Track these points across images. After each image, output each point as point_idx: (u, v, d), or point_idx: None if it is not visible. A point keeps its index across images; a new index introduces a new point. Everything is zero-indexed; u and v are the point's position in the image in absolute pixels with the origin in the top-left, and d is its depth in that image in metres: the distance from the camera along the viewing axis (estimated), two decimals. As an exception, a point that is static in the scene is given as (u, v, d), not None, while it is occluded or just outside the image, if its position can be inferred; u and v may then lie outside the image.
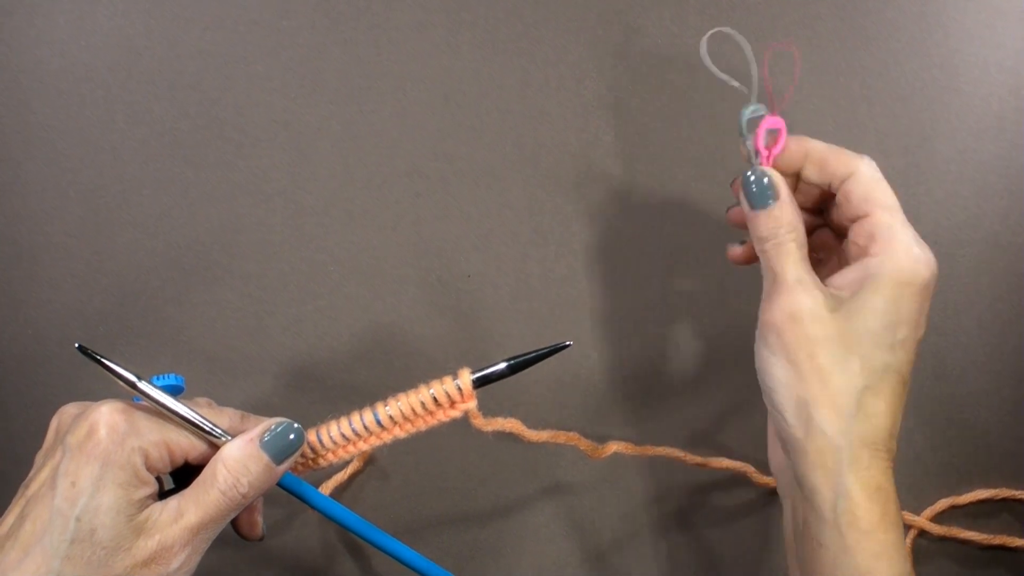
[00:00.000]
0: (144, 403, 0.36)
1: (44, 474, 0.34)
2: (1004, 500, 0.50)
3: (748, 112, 0.39)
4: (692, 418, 0.52)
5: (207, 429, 0.36)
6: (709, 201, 0.52)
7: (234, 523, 0.39)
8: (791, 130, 0.39)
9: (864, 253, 0.38)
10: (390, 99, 0.53)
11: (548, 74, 0.53)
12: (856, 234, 0.38)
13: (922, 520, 0.50)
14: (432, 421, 0.39)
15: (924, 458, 0.51)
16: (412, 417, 0.39)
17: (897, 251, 0.37)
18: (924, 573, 0.50)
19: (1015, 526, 0.50)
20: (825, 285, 0.38)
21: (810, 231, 0.41)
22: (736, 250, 0.44)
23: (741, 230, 0.42)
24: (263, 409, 0.44)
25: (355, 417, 0.39)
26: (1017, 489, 0.50)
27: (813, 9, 0.53)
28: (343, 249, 0.52)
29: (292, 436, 0.37)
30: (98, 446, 0.33)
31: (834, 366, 0.36)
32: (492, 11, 0.53)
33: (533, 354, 0.39)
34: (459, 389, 0.39)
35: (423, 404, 0.39)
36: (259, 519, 0.40)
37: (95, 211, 0.53)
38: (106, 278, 0.52)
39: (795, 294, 0.37)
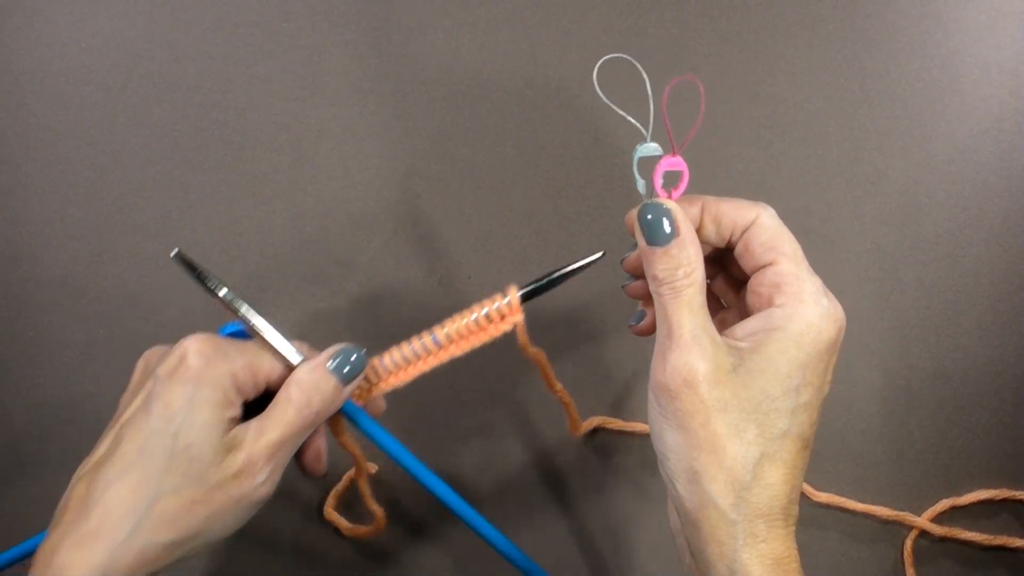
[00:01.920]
0: (223, 337, 0.38)
1: (136, 402, 0.36)
2: (1004, 501, 0.50)
3: (641, 151, 0.37)
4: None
5: (286, 352, 0.39)
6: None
7: (300, 459, 0.41)
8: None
9: (768, 303, 0.35)
10: (390, 101, 0.53)
11: (549, 75, 0.53)
12: (758, 283, 0.36)
13: (923, 521, 0.50)
14: (484, 337, 0.41)
15: (925, 459, 0.51)
16: (466, 334, 0.41)
17: (805, 303, 0.34)
18: (925, 574, 0.50)
19: (1015, 526, 0.51)
20: (724, 335, 0.35)
21: (708, 279, 0.39)
22: (633, 285, 0.40)
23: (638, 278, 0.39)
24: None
25: (414, 340, 0.41)
26: (1017, 490, 0.50)
27: (814, 10, 0.53)
28: (343, 250, 0.52)
29: (356, 358, 0.39)
30: (189, 371, 0.36)
31: (730, 435, 0.33)
32: (492, 13, 0.53)
33: (571, 267, 0.41)
34: (508, 304, 0.41)
35: (475, 321, 0.41)
36: (323, 452, 0.41)
37: (95, 213, 0.53)
38: (106, 280, 0.52)
39: (691, 353, 0.33)
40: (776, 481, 0.33)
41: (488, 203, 0.53)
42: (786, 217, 0.52)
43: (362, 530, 0.49)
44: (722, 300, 0.41)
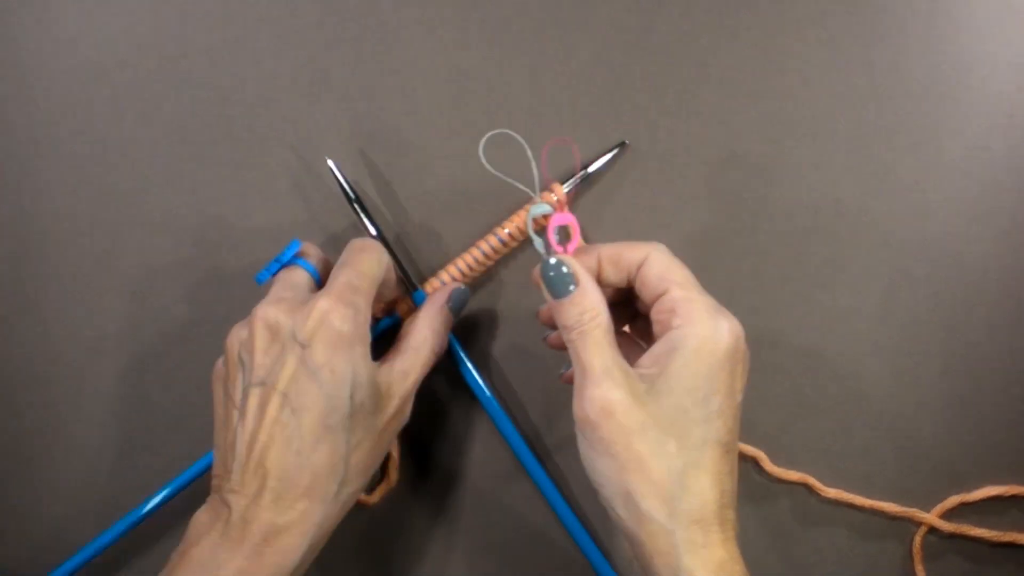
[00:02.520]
0: (343, 287, 0.41)
1: (290, 368, 0.39)
2: (1014, 497, 0.50)
3: (533, 211, 0.41)
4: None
5: (410, 280, 0.49)
6: (714, 200, 0.52)
7: None
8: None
9: (667, 327, 0.38)
10: (399, 97, 0.53)
11: (557, 72, 0.53)
12: (657, 312, 0.39)
13: (931, 517, 0.50)
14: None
15: (933, 455, 0.51)
16: (521, 234, 0.49)
17: (698, 320, 0.37)
18: (934, 570, 0.50)
19: (1025, 523, 0.51)
20: (635, 366, 0.38)
21: (625, 323, 0.44)
22: (552, 336, 0.46)
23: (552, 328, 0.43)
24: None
25: (482, 243, 0.49)
26: (1027, 486, 0.50)
27: (822, 5, 0.53)
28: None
29: (464, 296, 0.47)
30: (340, 335, 0.39)
31: (652, 452, 0.36)
32: (501, 9, 0.53)
33: (601, 161, 0.50)
34: (557, 201, 0.48)
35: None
36: None
37: (104, 210, 0.53)
38: (115, 277, 0.52)
39: (603, 386, 0.36)
40: (704, 488, 0.36)
41: (496, 199, 0.53)
42: (794, 214, 0.52)
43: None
44: (639, 342, 0.44)
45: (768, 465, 0.50)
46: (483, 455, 0.52)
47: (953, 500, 0.50)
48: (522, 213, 0.49)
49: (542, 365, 0.52)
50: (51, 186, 0.53)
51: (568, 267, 0.38)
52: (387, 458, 0.50)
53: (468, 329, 0.52)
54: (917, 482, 0.51)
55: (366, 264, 0.42)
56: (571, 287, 0.38)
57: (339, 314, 0.39)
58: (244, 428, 0.39)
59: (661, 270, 0.39)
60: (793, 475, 0.51)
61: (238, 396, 0.40)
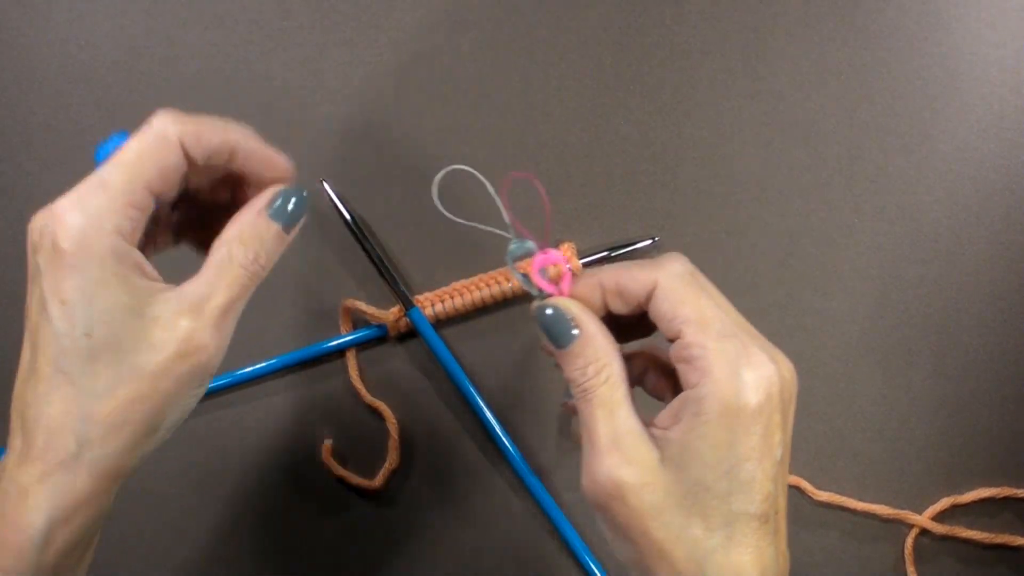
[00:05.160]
0: (91, 182, 0.33)
1: (33, 302, 0.32)
2: (1006, 499, 0.50)
3: (513, 252, 0.35)
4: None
5: (406, 298, 0.50)
6: (711, 200, 0.52)
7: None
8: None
9: (685, 381, 0.31)
10: (391, 100, 0.53)
11: (549, 73, 0.53)
12: (675, 359, 0.32)
13: (924, 519, 0.50)
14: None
15: (926, 457, 0.51)
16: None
17: (716, 379, 0.30)
18: (926, 572, 0.50)
19: (1017, 525, 0.50)
20: (652, 424, 0.32)
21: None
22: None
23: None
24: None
25: (483, 287, 0.50)
26: (1019, 488, 0.50)
27: (814, 8, 0.53)
28: (344, 250, 0.52)
29: (296, 199, 0.35)
30: (66, 256, 0.31)
31: (674, 539, 0.30)
32: (493, 11, 0.53)
33: (624, 249, 0.51)
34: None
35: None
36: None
37: (96, 212, 0.53)
38: (107, 279, 0.52)
39: (611, 462, 0.31)
40: (743, 565, 0.30)
41: (488, 202, 0.53)
42: (786, 216, 0.52)
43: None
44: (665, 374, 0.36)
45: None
46: (485, 442, 0.52)
47: (945, 502, 0.50)
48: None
49: (541, 376, 0.52)
50: (43, 188, 0.53)
51: (565, 311, 0.32)
52: (388, 437, 0.50)
53: (480, 354, 0.52)
54: (909, 484, 0.51)
55: (132, 147, 0.34)
56: (572, 332, 0.32)
57: (65, 227, 0.31)
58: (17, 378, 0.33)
59: (672, 305, 0.32)
60: (785, 477, 0.50)
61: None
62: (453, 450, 0.52)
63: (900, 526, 0.50)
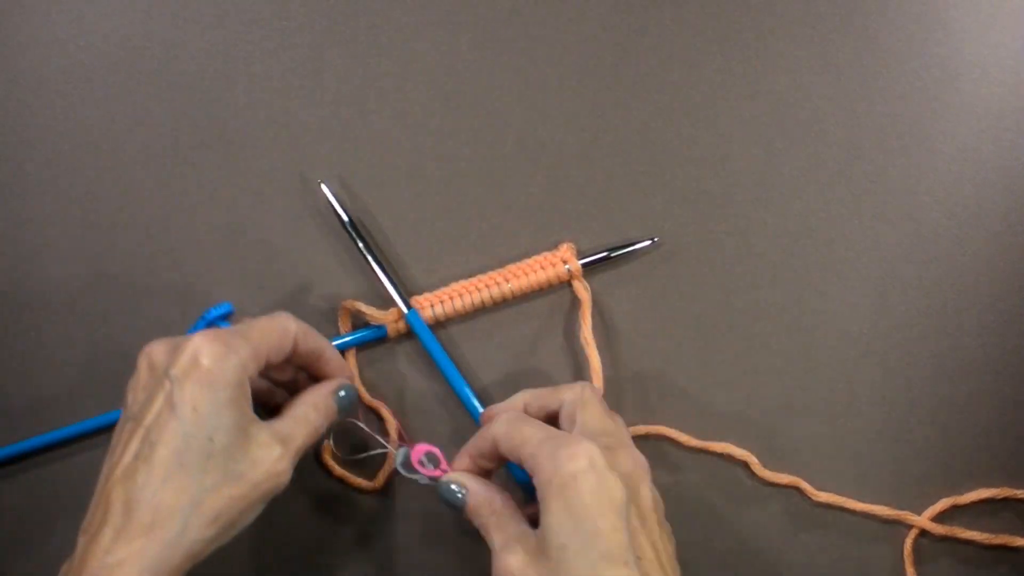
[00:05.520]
0: (229, 330, 0.41)
1: (158, 404, 0.38)
2: (1006, 499, 0.50)
3: (400, 457, 0.45)
4: (689, 403, 0.52)
5: (404, 298, 0.50)
6: (705, 203, 0.52)
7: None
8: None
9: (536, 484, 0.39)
10: (390, 99, 0.53)
11: (549, 74, 0.53)
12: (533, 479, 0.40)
13: (923, 520, 0.50)
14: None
15: (925, 457, 0.51)
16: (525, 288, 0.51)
17: (543, 466, 0.38)
18: (925, 573, 0.50)
19: (1017, 525, 0.50)
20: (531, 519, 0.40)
21: None
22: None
23: None
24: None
25: (474, 289, 0.51)
26: (1019, 488, 0.50)
27: (814, 8, 0.53)
28: (344, 250, 0.52)
29: (351, 395, 0.45)
30: (207, 373, 0.38)
31: None
32: (492, 11, 0.53)
33: (623, 250, 0.52)
34: (568, 271, 0.50)
35: (538, 281, 0.50)
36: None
37: (96, 212, 0.53)
38: (108, 280, 0.52)
39: (503, 557, 0.39)
40: None
41: (488, 202, 0.53)
42: (785, 216, 0.52)
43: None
44: None
45: (759, 468, 0.50)
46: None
47: (945, 503, 0.50)
48: (530, 269, 0.51)
49: (541, 375, 0.52)
50: (42, 189, 0.53)
51: (454, 483, 0.42)
52: (388, 437, 0.50)
53: (474, 354, 0.52)
54: (908, 485, 0.51)
55: (263, 323, 0.42)
56: (459, 495, 0.42)
57: (209, 351, 0.38)
58: (108, 464, 0.39)
59: (514, 444, 0.40)
60: (784, 478, 0.50)
61: (117, 434, 0.40)
62: (454, 451, 0.52)
63: (899, 527, 0.50)
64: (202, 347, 0.38)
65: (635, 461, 0.40)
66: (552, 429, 0.41)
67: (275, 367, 0.44)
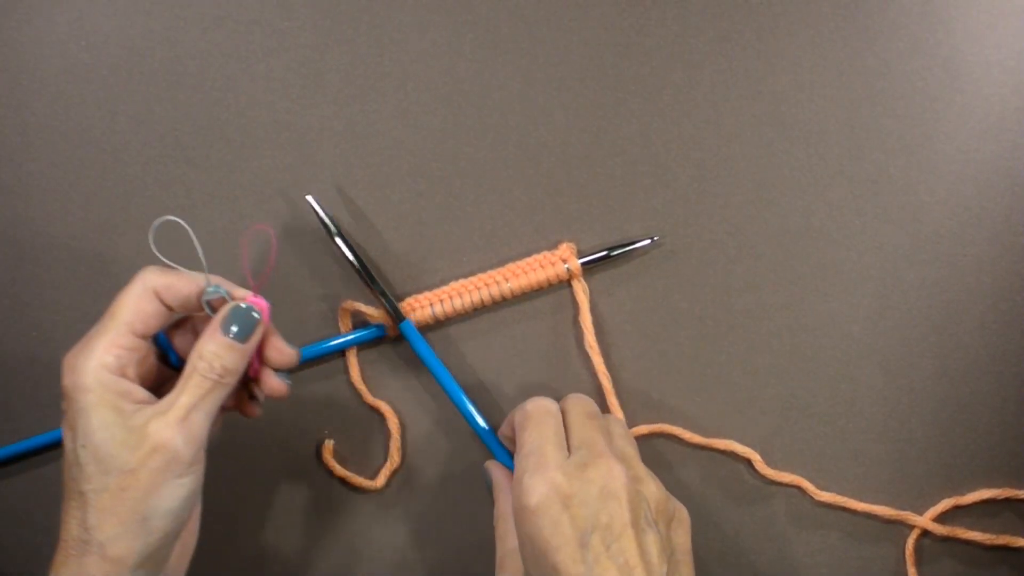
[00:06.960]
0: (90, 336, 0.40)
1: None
2: (1008, 500, 0.50)
3: (207, 294, 0.41)
4: (691, 403, 0.52)
5: (396, 310, 0.49)
6: (711, 200, 0.52)
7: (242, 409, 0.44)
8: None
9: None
10: (392, 99, 0.53)
11: (550, 74, 0.53)
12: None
13: (925, 520, 0.50)
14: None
15: (927, 458, 0.51)
16: (524, 287, 0.51)
17: (506, 491, 0.45)
18: (927, 574, 0.50)
19: (1019, 526, 0.50)
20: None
21: None
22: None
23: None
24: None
25: (473, 289, 0.50)
26: (1021, 489, 0.50)
27: (816, 8, 0.53)
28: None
29: (244, 318, 0.41)
30: (66, 390, 0.38)
31: None
32: (494, 11, 0.53)
33: (623, 248, 0.52)
34: (568, 270, 0.51)
35: (537, 280, 0.51)
36: (257, 399, 0.44)
37: (97, 213, 0.53)
38: (109, 280, 0.52)
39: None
40: None
41: (488, 201, 0.53)
42: (787, 216, 0.52)
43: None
44: None
45: (761, 467, 0.50)
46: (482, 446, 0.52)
47: (946, 503, 0.50)
48: (529, 268, 0.51)
49: (541, 375, 0.52)
50: (43, 189, 0.53)
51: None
52: (388, 437, 0.50)
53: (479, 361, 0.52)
54: (910, 485, 0.51)
55: (119, 299, 0.40)
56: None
57: (65, 364, 0.39)
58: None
59: (515, 445, 0.43)
60: (786, 477, 0.50)
61: None
62: (454, 450, 0.52)
63: (901, 527, 0.50)
64: (64, 361, 0.39)
65: (609, 473, 0.39)
66: (536, 445, 0.41)
67: (175, 329, 0.43)
